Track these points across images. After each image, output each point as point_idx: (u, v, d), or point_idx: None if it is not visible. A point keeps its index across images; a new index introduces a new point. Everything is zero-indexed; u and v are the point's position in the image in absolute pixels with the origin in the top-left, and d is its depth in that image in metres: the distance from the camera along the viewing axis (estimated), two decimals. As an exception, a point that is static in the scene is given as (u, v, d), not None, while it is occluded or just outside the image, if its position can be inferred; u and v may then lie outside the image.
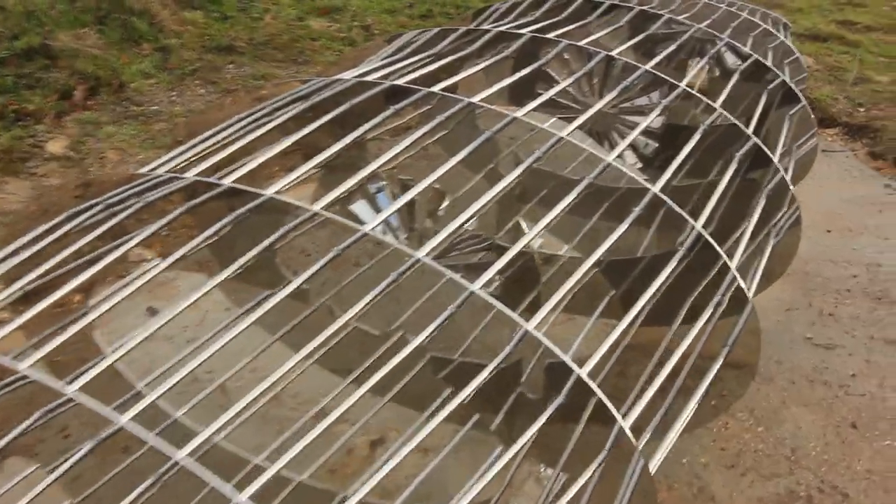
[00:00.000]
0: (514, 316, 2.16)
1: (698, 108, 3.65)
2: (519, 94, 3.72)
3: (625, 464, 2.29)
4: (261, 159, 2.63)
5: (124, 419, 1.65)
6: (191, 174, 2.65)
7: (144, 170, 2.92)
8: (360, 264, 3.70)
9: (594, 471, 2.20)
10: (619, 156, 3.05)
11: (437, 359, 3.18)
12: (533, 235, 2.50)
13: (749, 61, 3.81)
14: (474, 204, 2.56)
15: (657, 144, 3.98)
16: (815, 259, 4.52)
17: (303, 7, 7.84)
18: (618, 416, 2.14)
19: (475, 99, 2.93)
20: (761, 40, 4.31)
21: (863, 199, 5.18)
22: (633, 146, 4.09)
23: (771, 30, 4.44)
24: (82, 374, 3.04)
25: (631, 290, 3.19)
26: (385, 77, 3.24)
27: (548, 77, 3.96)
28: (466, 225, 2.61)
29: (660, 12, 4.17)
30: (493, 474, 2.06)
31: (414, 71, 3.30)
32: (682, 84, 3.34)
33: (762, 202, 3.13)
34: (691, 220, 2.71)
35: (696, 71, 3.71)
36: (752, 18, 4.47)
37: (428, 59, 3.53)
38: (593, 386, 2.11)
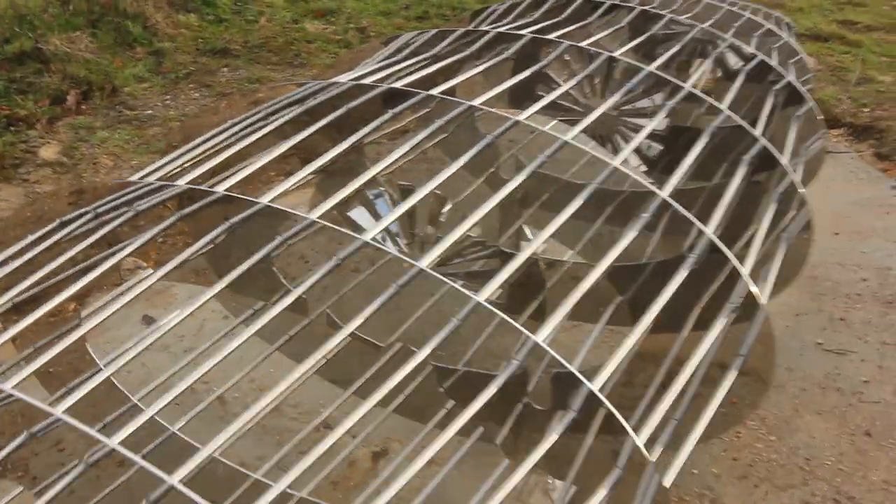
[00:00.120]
0: (523, 329, 2.07)
1: (702, 110, 3.57)
2: (519, 96, 3.64)
3: (638, 478, 2.21)
4: (256, 165, 2.55)
5: (115, 442, 1.56)
6: (185, 180, 2.56)
7: (137, 176, 2.83)
8: (360, 270, 3.61)
9: (607, 486, 2.11)
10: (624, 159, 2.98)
11: (440, 369, 3.10)
12: (538, 243, 2.41)
13: (754, 62, 3.72)
14: (477, 211, 2.48)
15: (660, 147, 3.89)
16: (823, 263, 4.44)
17: (297, 9, 7.76)
18: (632, 433, 2.06)
19: (476, 102, 2.85)
20: (765, 40, 4.23)
21: (870, 202, 5.10)
22: (636, 148, 4.01)
23: (774, 29, 4.36)
24: (74, 388, 2.96)
25: (638, 297, 3.10)
26: (382, 80, 3.16)
27: (547, 79, 3.88)
28: (469, 232, 2.52)
29: (661, 12, 4.09)
30: (509, 490, 1.97)
31: (412, 73, 3.22)
32: (688, 85, 3.26)
33: (773, 206, 3.05)
34: (702, 227, 2.62)
35: (701, 72, 3.63)
36: (755, 18, 4.39)
37: (426, 62, 3.45)
38: (607, 403, 2.02)
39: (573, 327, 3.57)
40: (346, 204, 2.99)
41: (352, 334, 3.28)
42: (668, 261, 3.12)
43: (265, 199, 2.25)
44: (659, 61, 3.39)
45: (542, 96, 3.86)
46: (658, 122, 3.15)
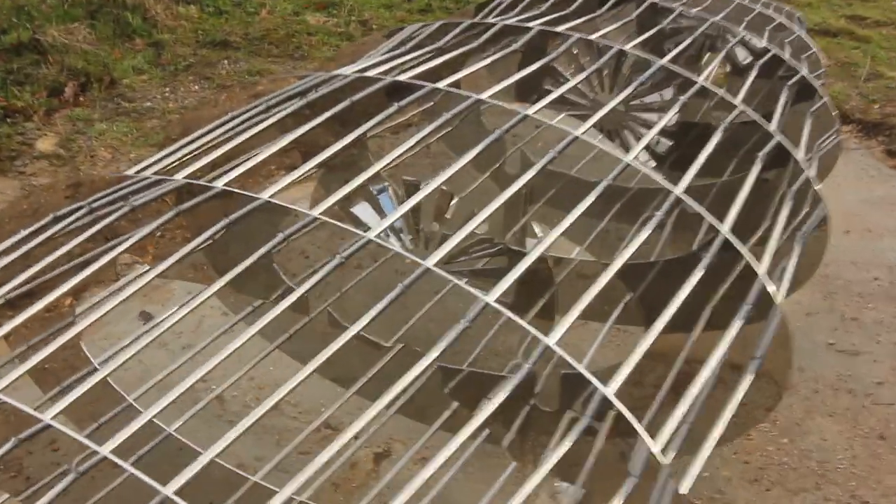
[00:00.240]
0: (535, 331, 1.99)
1: (711, 104, 3.50)
2: (525, 90, 3.57)
3: (651, 484, 2.13)
4: (257, 159, 2.46)
5: (106, 449, 1.48)
6: (183, 174, 2.48)
7: (134, 169, 2.75)
8: (362, 266, 3.53)
9: (622, 495, 2.03)
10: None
11: (444, 369, 3.02)
12: (549, 241, 2.32)
13: (767, 56, 3.64)
14: (486, 208, 2.39)
15: (670, 142, 3.81)
16: (834, 261, 4.35)
17: (299, 1, 7.66)
18: (648, 440, 1.98)
19: (483, 95, 2.77)
20: (776, 34, 4.15)
21: (881, 200, 5.02)
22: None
23: (786, 23, 4.27)
24: (68, 388, 2.89)
25: (648, 296, 3.03)
26: (386, 72, 3.07)
27: (554, 72, 3.80)
28: (476, 229, 2.44)
29: (671, 6, 4.00)
30: (525, 496, 1.89)
31: (417, 66, 3.13)
32: (701, 80, 3.18)
33: (788, 204, 2.96)
34: (718, 225, 2.54)
35: (714, 66, 3.54)
36: (766, 12, 4.31)
37: (431, 54, 3.37)
38: (623, 409, 1.94)
39: (579, 325, 3.48)
40: (348, 199, 2.91)
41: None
42: (678, 259, 3.05)
43: (265, 195, 2.17)
44: (671, 55, 3.31)
45: (548, 90, 3.78)
46: (667, 119, 3.06)
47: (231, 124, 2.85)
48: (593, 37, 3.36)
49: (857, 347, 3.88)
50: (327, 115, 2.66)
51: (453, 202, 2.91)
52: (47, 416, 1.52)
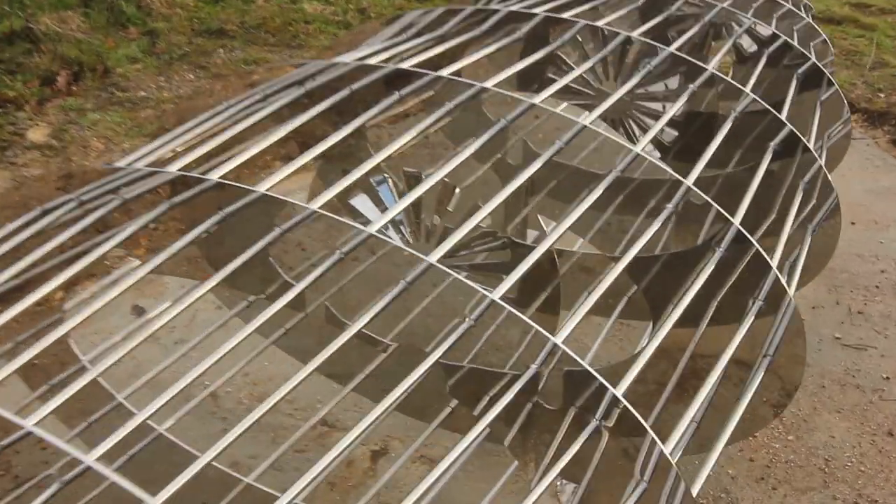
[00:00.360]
0: (542, 330, 1.91)
1: (717, 92, 3.41)
2: (527, 78, 3.48)
3: (663, 487, 2.06)
4: (253, 151, 2.38)
5: (91, 458, 1.40)
6: (176, 166, 2.39)
7: (126, 161, 2.66)
8: (360, 259, 3.44)
9: (633, 500, 1.96)
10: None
11: (443, 365, 2.94)
12: (557, 236, 2.24)
13: (777, 43, 3.55)
14: (490, 202, 2.31)
15: (675, 132, 3.73)
16: (840, 253, 4.25)
17: (296, -11, 7.56)
18: (658, 442, 1.90)
19: (488, 84, 2.68)
20: (784, 22, 4.06)
21: (887, 190, 4.93)
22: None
23: (794, 10, 4.19)
24: (57, 386, 2.80)
25: (654, 290, 2.95)
26: (387, 61, 2.99)
27: (558, 60, 3.71)
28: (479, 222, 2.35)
29: (675, -7, 3.91)
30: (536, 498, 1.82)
31: (418, 54, 3.04)
32: (710, 67, 3.09)
33: (799, 194, 2.88)
34: (730, 217, 2.46)
35: (723, 53, 3.45)
36: (773, -2, 4.22)
37: (432, 42, 3.28)
38: (632, 410, 1.86)
39: (582, 319, 3.42)
40: (347, 191, 2.83)
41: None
42: (686, 252, 2.97)
43: (262, 188, 2.09)
44: (678, 42, 3.22)
45: (551, 78, 3.70)
46: (678, 107, 2.97)
47: (227, 114, 2.77)
48: (600, 23, 3.27)
49: (865, 342, 3.81)
50: (327, 104, 2.57)
51: (455, 194, 2.82)
52: (29, 423, 1.44)
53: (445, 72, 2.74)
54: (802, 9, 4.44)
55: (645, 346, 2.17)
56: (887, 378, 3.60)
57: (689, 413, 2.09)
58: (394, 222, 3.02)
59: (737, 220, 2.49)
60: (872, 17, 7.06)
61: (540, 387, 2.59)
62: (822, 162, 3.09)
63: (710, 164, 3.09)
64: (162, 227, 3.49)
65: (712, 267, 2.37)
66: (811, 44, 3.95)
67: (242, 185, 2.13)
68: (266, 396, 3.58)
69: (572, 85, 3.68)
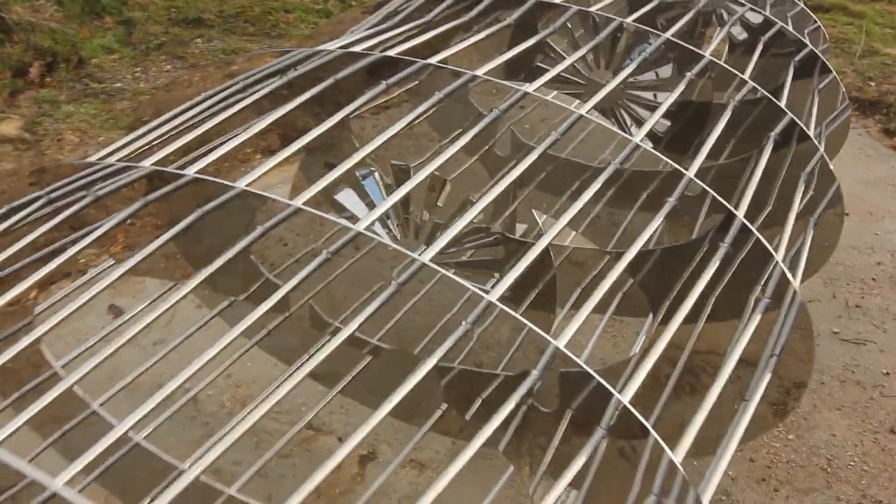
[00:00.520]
0: (542, 333, 1.80)
1: (710, 80, 3.31)
2: (516, 66, 3.37)
3: (671, 493, 1.95)
4: (232, 144, 2.25)
5: (57, 484, 1.28)
6: (152, 160, 2.27)
7: (99, 155, 2.54)
8: (345, 255, 3.32)
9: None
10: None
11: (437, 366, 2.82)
12: (555, 233, 2.13)
13: (773, 30, 3.45)
14: (483, 197, 2.19)
15: (667, 122, 3.63)
16: (835, 245, 4.19)
17: (275, -22, 7.42)
18: (668, 451, 1.79)
19: (479, 72, 2.56)
20: (777, 8, 3.96)
21: (881, 181, 4.84)
22: (641, 123, 3.75)
23: (786, -4, 4.09)
24: (28, 393, 2.67)
25: (650, 285, 2.85)
26: (372, 48, 2.86)
27: (545, 47, 3.60)
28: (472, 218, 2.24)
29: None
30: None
31: (404, 41, 2.92)
32: (707, 54, 2.98)
33: (801, 185, 2.78)
34: (734, 210, 2.36)
35: (718, 40, 3.35)
36: (765, -16, 4.12)
37: (419, 29, 3.16)
38: (641, 418, 1.75)
39: (573, 315, 3.31)
40: (332, 185, 2.70)
41: (336, 328, 3.02)
42: (683, 246, 2.87)
43: (242, 183, 1.96)
44: (674, 28, 3.11)
45: (540, 66, 3.58)
46: (676, 95, 2.86)
47: (205, 105, 2.64)
48: (593, 9, 3.16)
49: (863, 336, 3.71)
50: (310, 93, 2.45)
51: (446, 188, 2.70)
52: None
53: (435, 59, 2.62)
54: (795, -5, 4.35)
55: (651, 347, 2.05)
56: (887, 373, 3.51)
57: (697, 418, 1.97)
58: (381, 217, 2.90)
59: (740, 213, 2.38)
60: (861, 5, 6.97)
61: (535, 389, 2.48)
62: (823, 151, 2.99)
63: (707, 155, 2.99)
64: (139, 223, 3.35)
65: (718, 262, 2.26)
66: (805, 31, 3.86)
67: (221, 181, 2.01)
68: (249, 399, 3.48)
69: (562, 73, 3.57)
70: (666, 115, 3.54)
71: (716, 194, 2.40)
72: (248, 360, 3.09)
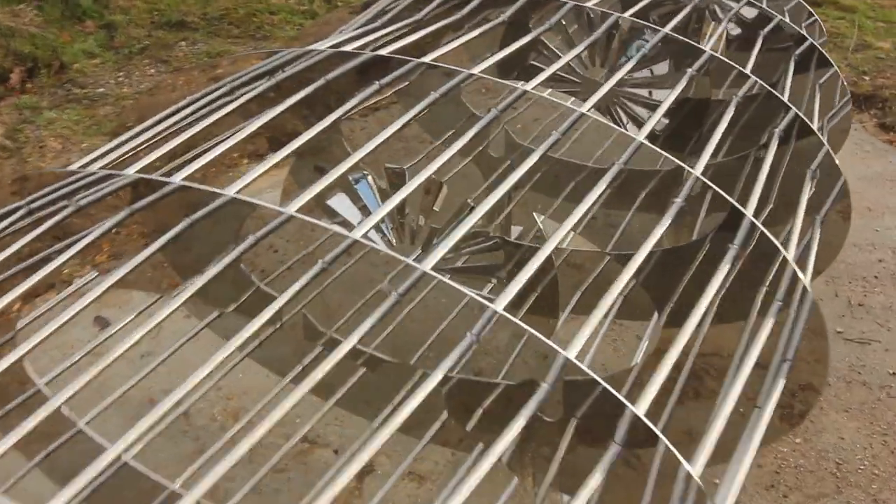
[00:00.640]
0: (552, 344, 1.71)
1: (708, 76, 3.23)
2: (509, 65, 3.29)
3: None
4: (220, 149, 2.15)
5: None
6: (137, 167, 2.17)
7: (82, 162, 2.44)
8: (339, 261, 3.23)
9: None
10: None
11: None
12: (559, 238, 2.04)
13: (773, 23, 3.37)
14: (484, 202, 2.10)
15: (665, 119, 3.55)
16: (836, 243, 4.11)
17: (259, -21, 7.31)
18: (687, 466, 1.71)
19: (476, 70, 2.47)
20: (775, 1, 3.89)
21: (879, 176, 4.77)
22: (637, 120, 3.67)
23: (783, -10, 4.02)
24: (12, 411, 2.57)
25: (659, 287, 2.77)
26: (362, 48, 2.77)
27: (539, 44, 3.52)
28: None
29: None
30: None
31: (395, 40, 2.83)
32: (708, 48, 2.90)
33: (808, 182, 2.70)
34: (744, 210, 2.27)
35: (717, 35, 3.27)
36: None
37: (410, 27, 3.07)
38: (659, 433, 1.67)
39: (572, 319, 3.23)
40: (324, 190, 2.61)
41: (331, 338, 2.93)
42: (687, 246, 2.80)
43: (231, 191, 1.87)
44: (672, 23, 3.03)
45: (533, 65, 3.50)
46: (678, 92, 2.78)
47: (191, 109, 2.55)
48: (589, 4, 3.07)
49: (868, 336, 3.64)
50: (301, 95, 2.35)
51: (442, 192, 2.61)
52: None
53: (429, 58, 2.53)
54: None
55: (661, 353, 1.97)
56: (893, 373, 3.43)
57: (713, 428, 1.89)
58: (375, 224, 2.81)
59: (749, 212, 2.30)
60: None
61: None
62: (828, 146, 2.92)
63: (698, 153, 2.91)
64: (124, 231, 3.25)
65: (729, 263, 2.17)
66: (802, 24, 3.79)
67: (210, 188, 1.91)
68: (241, 411, 3.37)
69: (557, 71, 3.50)
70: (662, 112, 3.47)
71: (724, 193, 2.31)
72: (239, 371, 3.00)
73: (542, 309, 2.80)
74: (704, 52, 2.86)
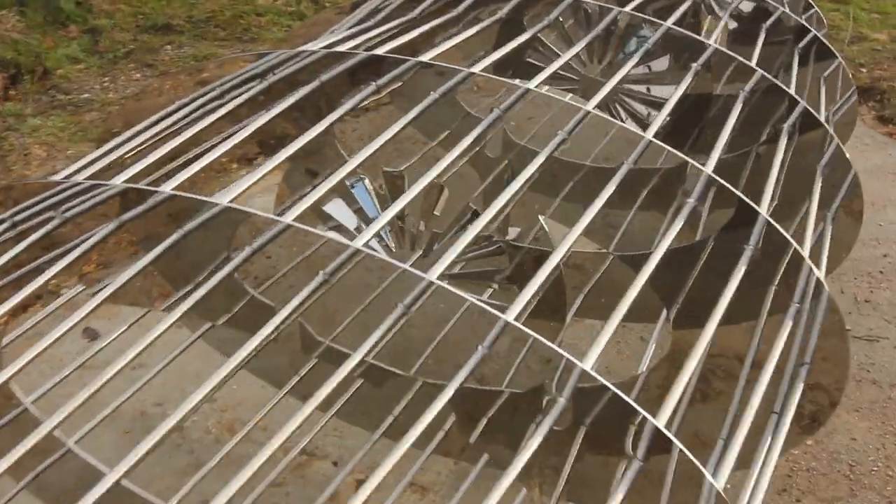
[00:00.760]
0: (567, 355, 1.62)
1: (710, 71, 3.16)
2: (505, 63, 3.20)
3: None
4: (211, 157, 2.07)
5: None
6: (125, 177, 2.09)
7: (67, 171, 2.35)
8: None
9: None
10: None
11: (435, 385, 2.66)
12: (570, 244, 1.96)
13: (775, 16, 3.30)
14: (490, 207, 2.01)
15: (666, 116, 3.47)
16: (840, 238, 4.04)
17: (245, -19, 7.22)
18: (710, 479, 1.63)
19: (476, 69, 2.39)
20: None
21: (880, 170, 4.70)
22: (637, 117, 3.60)
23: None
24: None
25: (668, 289, 2.68)
26: (356, 48, 2.69)
27: (535, 41, 3.44)
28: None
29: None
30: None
31: (390, 40, 2.75)
32: (712, 43, 2.83)
33: (819, 177, 2.63)
34: (757, 208, 2.19)
35: (720, 29, 3.19)
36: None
37: (404, 26, 2.99)
38: (681, 446, 1.58)
39: (575, 322, 3.16)
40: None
41: (328, 347, 2.84)
42: (690, 247, 2.72)
43: (225, 200, 1.78)
44: (673, 17, 2.96)
45: (530, 62, 3.42)
46: (684, 88, 2.70)
47: (179, 114, 2.46)
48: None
49: (876, 333, 3.57)
50: (295, 98, 2.27)
51: (443, 195, 2.52)
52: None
53: (427, 57, 2.45)
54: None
55: (680, 358, 1.89)
56: (903, 371, 3.37)
57: (736, 437, 1.81)
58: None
59: (764, 210, 2.22)
60: (845, -9, 6.87)
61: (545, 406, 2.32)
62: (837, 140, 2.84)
63: (706, 148, 2.84)
64: (113, 240, 3.15)
65: (746, 264, 2.10)
66: (804, 17, 3.72)
67: (202, 197, 1.83)
68: (236, 423, 3.28)
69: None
70: (660, 108, 3.40)
71: (738, 192, 2.23)
72: (234, 381, 2.89)
73: (547, 312, 2.72)
74: (709, 46, 2.78)
